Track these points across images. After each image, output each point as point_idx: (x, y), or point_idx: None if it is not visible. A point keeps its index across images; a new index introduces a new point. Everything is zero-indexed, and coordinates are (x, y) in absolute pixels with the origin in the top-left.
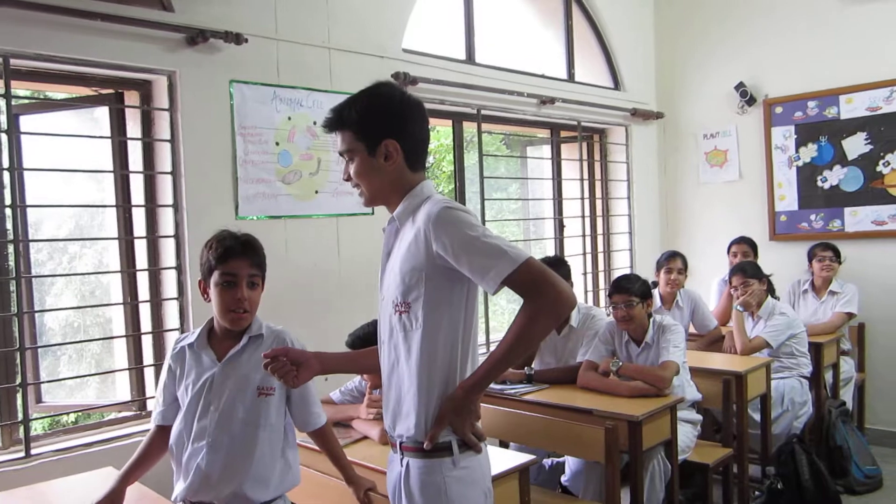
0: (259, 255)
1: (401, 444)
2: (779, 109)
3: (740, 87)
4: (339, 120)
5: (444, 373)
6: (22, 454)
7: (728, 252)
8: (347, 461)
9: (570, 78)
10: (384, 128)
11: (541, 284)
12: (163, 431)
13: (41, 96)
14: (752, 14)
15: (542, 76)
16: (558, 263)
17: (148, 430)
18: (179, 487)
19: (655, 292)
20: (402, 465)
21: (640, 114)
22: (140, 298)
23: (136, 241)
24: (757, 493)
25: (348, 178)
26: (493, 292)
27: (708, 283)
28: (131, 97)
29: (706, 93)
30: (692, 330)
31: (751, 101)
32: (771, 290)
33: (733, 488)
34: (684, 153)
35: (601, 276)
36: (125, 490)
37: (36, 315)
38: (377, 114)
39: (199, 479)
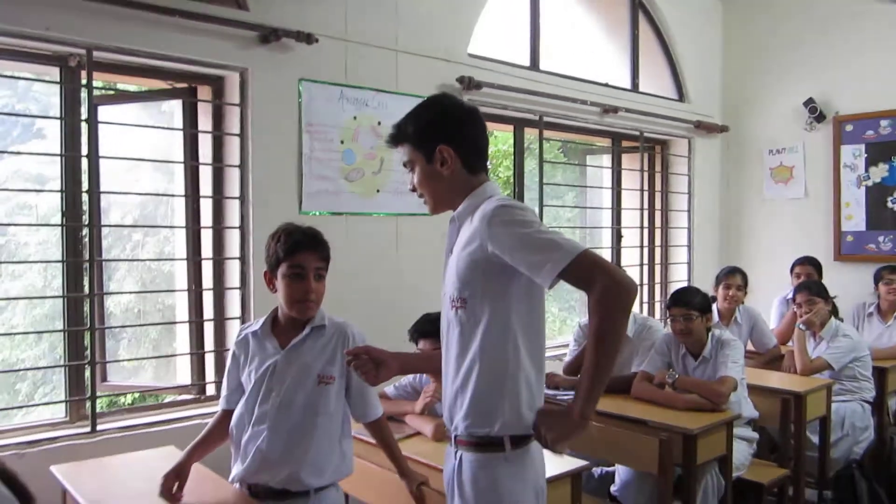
0: (325, 249)
1: (455, 437)
2: (849, 127)
3: (810, 103)
4: (399, 134)
5: (499, 369)
6: (88, 429)
7: (791, 272)
8: (402, 454)
9: (634, 88)
10: (438, 135)
11: (597, 273)
12: (227, 415)
13: (118, 88)
14: (824, 29)
15: (606, 85)
16: None
17: (207, 413)
18: (237, 469)
19: (713, 307)
20: (455, 459)
21: (704, 126)
22: (204, 286)
23: (202, 230)
24: None
25: (414, 189)
26: (549, 287)
27: (768, 301)
28: (204, 92)
29: (773, 108)
30: (750, 347)
31: (820, 117)
32: (835, 312)
33: None
34: (748, 168)
35: (657, 288)
36: (190, 465)
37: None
38: (430, 122)
39: (258, 461)
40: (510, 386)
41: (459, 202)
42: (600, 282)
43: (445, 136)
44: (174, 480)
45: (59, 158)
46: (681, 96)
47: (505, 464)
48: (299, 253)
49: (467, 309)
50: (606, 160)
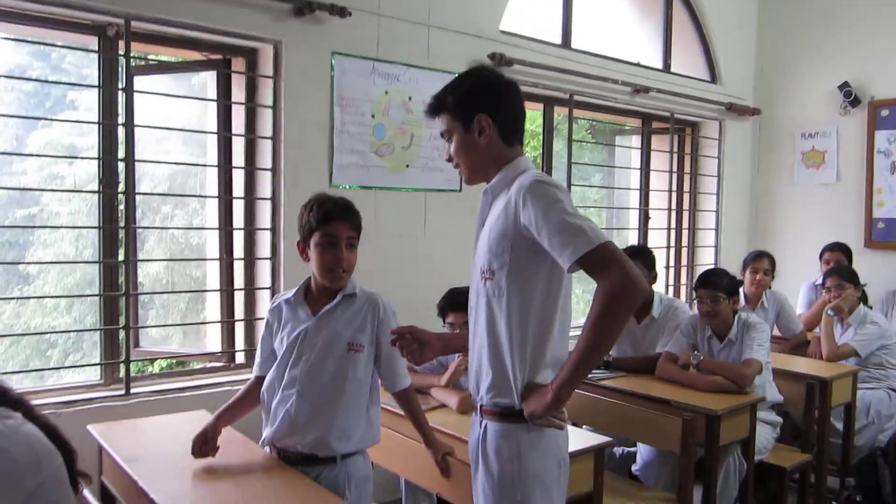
0: (357, 219)
1: (481, 406)
2: (885, 112)
3: (844, 87)
4: (438, 104)
5: (524, 340)
6: (122, 392)
7: (820, 258)
8: (428, 425)
9: (666, 68)
10: (476, 104)
11: (613, 267)
12: (260, 382)
13: (152, 58)
14: (860, 12)
15: (638, 65)
16: (643, 252)
17: (237, 381)
18: (267, 432)
19: (740, 291)
20: (480, 428)
21: (736, 109)
22: (235, 256)
23: (234, 201)
24: (834, 502)
25: (450, 159)
26: (567, 270)
27: (796, 287)
28: (238, 63)
29: (807, 91)
30: (776, 333)
31: (855, 101)
32: (864, 299)
33: (809, 497)
34: (780, 152)
35: (684, 271)
36: (220, 428)
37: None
38: (470, 92)
39: (287, 424)
40: (533, 359)
41: (494, 174)
42: (614, 276)
43: (484, 106)
44: (203, 441)
45: (91, 129)
46: (713, 78)
47: (528, 434)
48: (332, 222)
49: (494, 280)
50: (635, 141)
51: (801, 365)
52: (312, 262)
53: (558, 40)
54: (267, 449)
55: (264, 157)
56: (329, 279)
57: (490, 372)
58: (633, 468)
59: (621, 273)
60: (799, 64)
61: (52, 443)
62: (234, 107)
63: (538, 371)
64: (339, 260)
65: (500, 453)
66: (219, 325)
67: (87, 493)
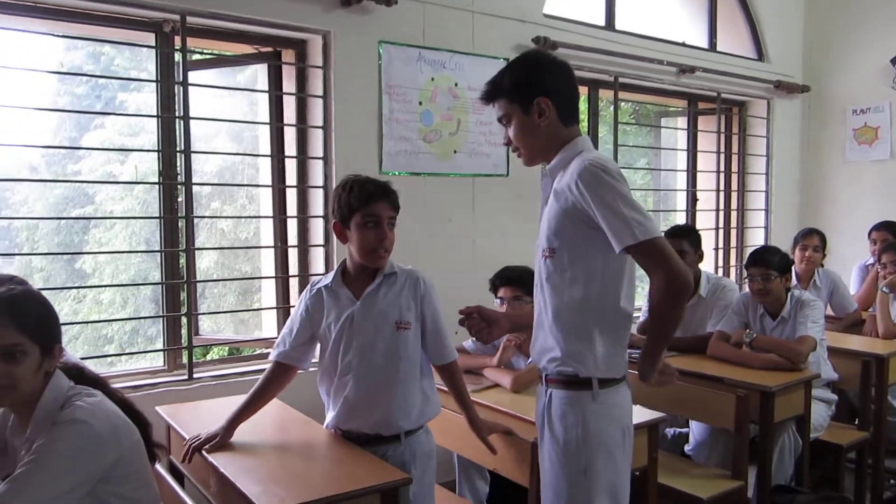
0: (396, 199)
1: (546, 376)
2: None
3: None
4: (494, 89)
5: (586, 314)
6: (185, 377)
7: (868, 237)
8: (471, 402)
9: (712, 47)
10: (535, 87)
11: (660, 263)
12: (281, 369)
13: (207, 53)
14: None
15: (683, 44)
16: (688, 231)
17: None
18: (330, 417)
19: (792, 269)
20: (546, 396)
21: (784, 87)
22: (289, 244)
23: (287, 190)
24: (892, 480)
25: (508, 142)
26: (618, 252)
27: (848, 266)
28: (288, 55)
29: (858, 66)
30: (829, 312)
31: None
32: None
33: (866, 476)
34: (830, 129)
35: (733, 252)
36: (234, 430)
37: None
38: (527, 75)
39: (347, 409)
40: (596, 334)
41: (553, 155)
42: (660, 273)
43: (542, 89)
44: (206, 443)
45: (142, 128)
46: (760, 55)
47: (592, 402)
48: (373, 202)
49: (555, 258)
50: (681, 122)
51: (856, 343)
52: (353, 243)
53: (602, 22)
54: (332, 431)
55: (316, 147)
56: (371, 259)
57: (554, 344)
58: (686, 448)
59: (668, 270)
60: (848, 38)
61: (129, 418)
62: (285, 98)
63: (602, 341)
64: (382, 240)
65: (565, 420)
66: (274, 311)
67: (158, 467)
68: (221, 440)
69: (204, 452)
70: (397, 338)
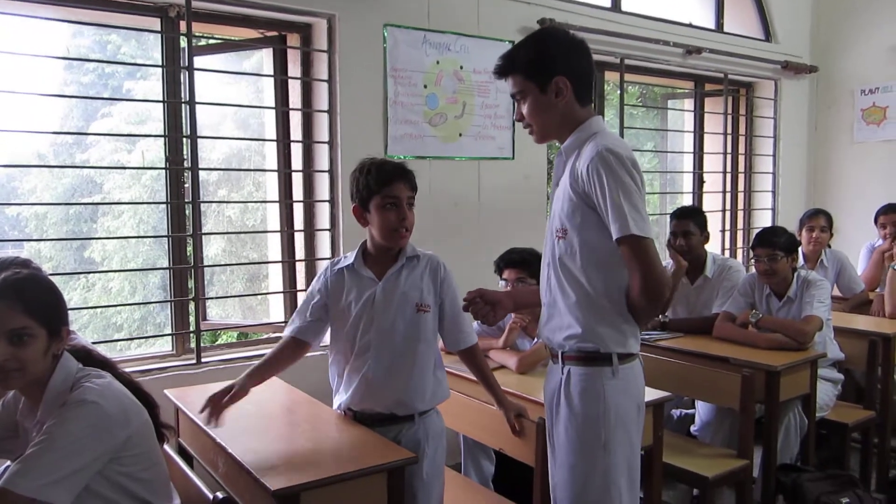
0: (414, 178)
1: (563, 353)
2: None
3: None
4: (509, 64)
5: (600, 292)
6: (193, 361)
7: (875, 222)
8: (497, 384)
9: (719, 28)
10: (553, 65)
11: (637, 263)
12: (295, 343)
13: (213, 37)
14: None
15: (689, 25)
16: (695, 213)
17: None
18: (342, 397)
19: (799, 249)
20: (562, 374)
21: (791, 67)
22: (295, 228)
23: (293, 174)
24: None
25: (521, 119)
26: (615, 240)
27: (856, 247)
28: (293, 39)
29: (866, 45)
30: (836, 293)
31: None
32: None
33: (872, 455)
34: (838, 110)
35: (740, 234)
36: (250, 388)
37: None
38: (546, 53)
39: (363, 388)
40: (609, 313)
41: (567, 135)
42: (639, 274)
43: (561, 67)
44: (223, 396)
45: (148, 116)
46: (768, 36)
47: (612, 378)
48: (392, 183)
49: (567, 239)
50: (688, 104)
51: (862, 322)
52: (373, 224)
53: (608, 3)
54: (341, 412)
55: (321, 131)
56: (393, 240)
57: (573, 321)
58: (692, 428)
59: (645, 275)
60: (857, 17)
61: (137, 399)
62: (290, 83)
63: (623, 317)
64: (403, 220)
65: (585, 395)
66: (281, 295)
67: (167, 448)
68: (239, 390)
69: (213, 433)
70: (417, 320)
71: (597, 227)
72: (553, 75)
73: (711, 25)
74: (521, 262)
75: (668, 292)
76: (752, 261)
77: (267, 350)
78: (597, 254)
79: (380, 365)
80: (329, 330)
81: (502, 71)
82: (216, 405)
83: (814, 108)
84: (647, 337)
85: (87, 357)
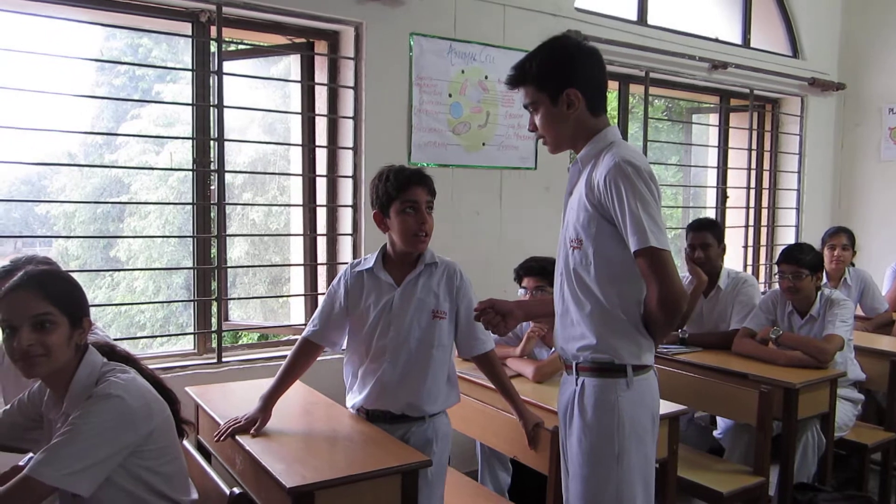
0: (432, 183)
1: (577, 364)
2: None
3: None
4: (521, 75)
5: (615, 303)
6: (214, 360)
7: None
8: (516, 393)
9: (745, 43)
10: (564, 77)
11: (655, 276)
12: (310, 347)
13: (242, 42)
14: None
15: (716, 40)
16: (711, 225)
17: None
18: (356, 398)
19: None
20: (577, 385)
21: (819, 84)
22: (318, 233)
23: (317, 179)
24: None
25: (534, 129)
26: (633, 252)
27: (882, 268)
28: (320, 46)
29: (895, 63)
30: (859, 312)
31: None
32: None
33: (891, 478)
34: (866, 128)
35: (763, 250)
36: (271, 410)
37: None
38: (556, 65)
39: (377, 391)
40: (624, 324)
41: (582, 145)
42: (657, 286)
43: (572, 79)
44: (248, 427)
45: (177, 118)
46: (795, 52)
47: (626, 389)
48: (411, 188)
49: (582, 250)
50: (712, 119)
51: (885, 343)
52: (394, 229)
53: (634, 16)
54: (353, 412)
55: (346, 137)
56: (413, 244)
57: (587, 332)
58: (715, 433)
59: (664, 287)
60: (886, 35)
61: (159, 394)
62: (317, 89)
63: (637, 329)
64: (422, 224)
65: (599, 406)
66: (302, 298)
67: (187, 445)
68: (262, 423)
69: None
70: (432, 326)
71: (612, 238)
72: (564, 87)
73: (738, 40)
74: (541, 271)
75: (686, 305)
76: (776, 276)
77: (287, 351)
78: (612, 265)
79: (395, 369)
80: (346, 333)
81: (514, 81)
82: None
83: (840, 126)
84: (665, 351)
85: (111, 352)
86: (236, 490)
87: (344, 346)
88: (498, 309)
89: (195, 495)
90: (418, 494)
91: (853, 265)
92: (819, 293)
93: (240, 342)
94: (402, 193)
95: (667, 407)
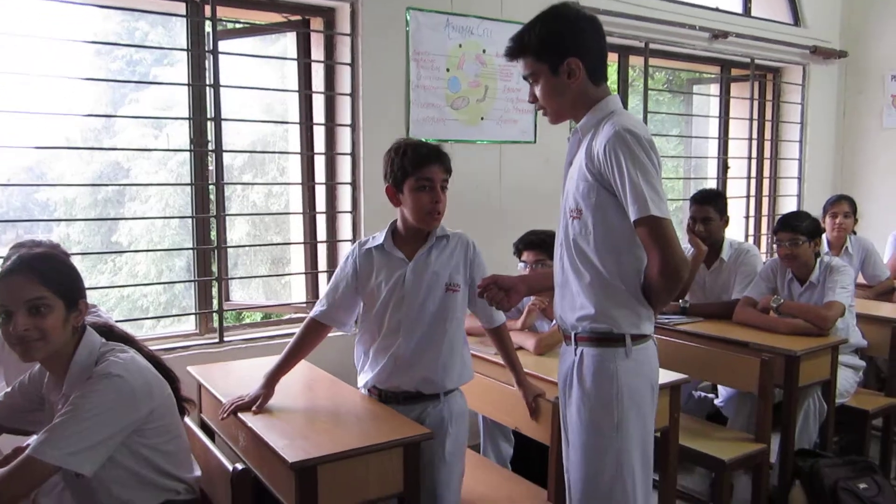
0: (449, 161)
1: (576, 335)
2: None
3: None
4: (520, 46)
5: (615, 273)
6: (216, 340)
7: None
8: (520, 364)
9: (746, 12)
10: (564, 46)
11: (655, 244)
12: (317, 326)
13: (237, 21)
14: None
15: (716, 9)
16: (715, 197)
17: None
18: (367, 376)
19: (824, 238)
20: (576, 355)
21: (820, 52)
22: (317, 210)
23: (315, 157)
24: None
25: (534, 100)
26: (632, 221)
27: (884, 236)
28: (316, 23)
29: None
30: (860, 280)
31: None
32: None
33: (892, 443)
34: (868, 95)
35: (765, 220)
36: (274, 388)
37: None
38: (556, 34)
39: (391, 366)
40: (623, 294)
41: (582, 115)
42: (658, 255)
43: (572, 48)
44: (250, 405)
45: (176, 101)
46: (796, 20)
47: (625, 358)
48: (428, 166)
49: (581, 220)
50: (713, 89)
51: (886, 309)
52: (407, 206)
53: None
54: (364, 391)
55: (344, 114)
56: (426, 222)
57: (587, 302)
58: (717, 401)
59: (664, 256)
60: (888, 2)
61: (159, 373)
62: (313, 66)
63: (636, 299)
64: (437, 202)
65: (598, 376)
66: (303, 276)
67: (190, 423)
68: (264, 400)
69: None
70: (447, 299)
71: (612, 207)
72: (565, 56)
73: (739, 9)
74: (540, 244)
75: (687, 274)
76: (775, 245)
77: (288, 330)
78: (612, 235)
79: (409, 344)
80: (355, 313)
81: (513, 53)
82: (242, 412)
83: (842, 94)
84: (667, 321)
85: (109, 333)
86: (239, 466)
87: (352, 327)
88: (501, 284)
89: (198, 472)
90: (438, 474)
91: (855, 233)
92: (819, 260)
93: (243, 322)
94: (419, 171)
95: (668, 376)
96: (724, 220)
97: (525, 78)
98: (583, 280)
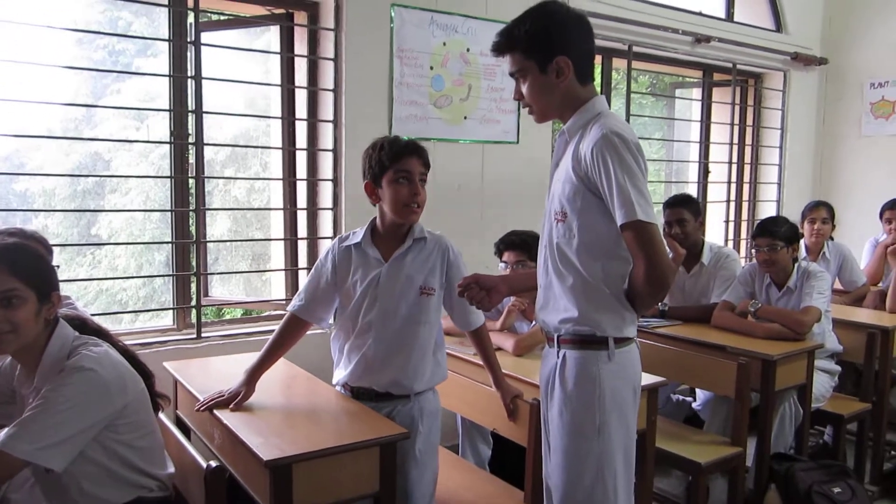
0: (427, 155)
1: (558, 337)
2: None
3: None
4: (507, 42)
5: (598, 276)
6: (194, 335)
7: (881, 217)
8: (499, 365)
9: (729, 17)
10: (553, 44)
11: (642, 249)
12: (296, 322)
13: (218, 14)
14: None
15: (699, 14)
16: (688, 200)
17: None
18: (341, 374)
19: (802, 243)
20: (558, 357)
21: (801, 59)
22: (298, 206)
23: (297, 152)
24: (893, 452)
25: (520, 98)
26: (619, 225)
27: (861, 242)
28: (300, 17)
29: (878, 39)
30: (837, 286)
31: None
32: None
33: (867, 448)
34: (847, 103)
35: (744, 225)
36: (255, 385)
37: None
38: (546, 31)
39: (362, 367)
40: (606, 297)
41: (569, 115)
42: (644, 260)
43: (561, 46)
44: (231, 401)
45: (158, 93)
46: (778, 26)
47: (608, 361)
48: (405, 158)
49: (566, 223)
50: (696, 93)
51: (862, 315)
52: (385, 200)
53: None
54: (339, 388)
55: (326, 110)
56: (404, 215)
57: (570, 304)
58: (694, 405)
59: (648, 261)
60: (868, 11)
61: (133, 368)
62: (296, 61)
63: (619, 302)
64: (415, 195)
65: (581, 379)
66: (283, 273)
67: (165, 420)
68: (245, 397)
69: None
70: (420, 303)
71: (598, 211)
72: (554, 55)
73: (721, 14)
74: (521, 245)
75: (673, 279)
76: (753, 250)
77: (267, 327)
78: (596, 240)
79: (380, 345)
80: (333, 309)
81: (500, 48)
82: (219, 409)
83: (822, 101)
84: (645, 324)
85: (83, 326)
86: (213, 463)
87: (328, 323)
88: (482, 284)
89: (171, 469)
90: (409, 474)
91: (832, 239)
92: (796, 265)
93: (223, 319)
94: (396, 163)
95: (646, 379)
96: (699, 223)
97: (511, 75)
98: (566, 283)
